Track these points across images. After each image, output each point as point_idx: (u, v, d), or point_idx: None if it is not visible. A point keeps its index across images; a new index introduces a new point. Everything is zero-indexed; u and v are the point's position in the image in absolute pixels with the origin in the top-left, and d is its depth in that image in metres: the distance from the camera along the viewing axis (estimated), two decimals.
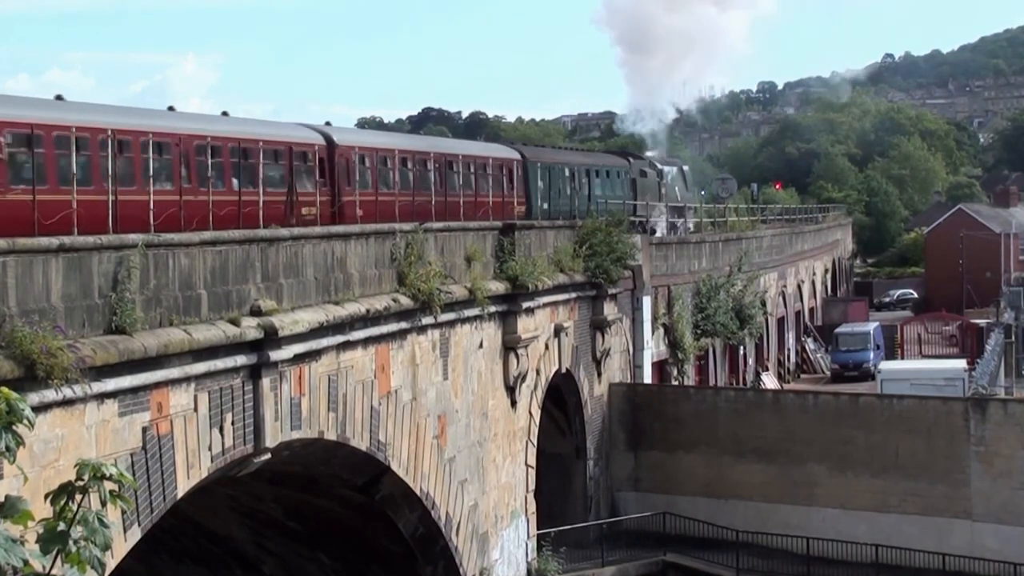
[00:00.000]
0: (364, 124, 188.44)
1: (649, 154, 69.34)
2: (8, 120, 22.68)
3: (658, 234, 54.26)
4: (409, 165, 37.32)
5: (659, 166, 62.38)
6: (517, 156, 45.84)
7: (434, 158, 39.21)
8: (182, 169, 27.12)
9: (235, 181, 28.97)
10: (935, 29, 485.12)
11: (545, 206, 45.66)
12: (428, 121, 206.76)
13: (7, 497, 5.74)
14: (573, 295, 37.74)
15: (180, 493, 19.35)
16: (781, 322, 70.16)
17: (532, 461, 34.76)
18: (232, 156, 29.17)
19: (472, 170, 41.36)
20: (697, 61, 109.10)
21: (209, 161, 27.89)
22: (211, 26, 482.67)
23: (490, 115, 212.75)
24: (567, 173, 49.57)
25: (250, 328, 20.78)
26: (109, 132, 24.61)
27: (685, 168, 69.53)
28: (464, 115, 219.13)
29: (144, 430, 18.50)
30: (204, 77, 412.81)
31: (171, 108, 30.66)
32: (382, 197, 35.09)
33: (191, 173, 27.53)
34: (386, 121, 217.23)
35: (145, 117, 28.05)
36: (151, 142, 25.62)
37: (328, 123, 36.73)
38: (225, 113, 32.61)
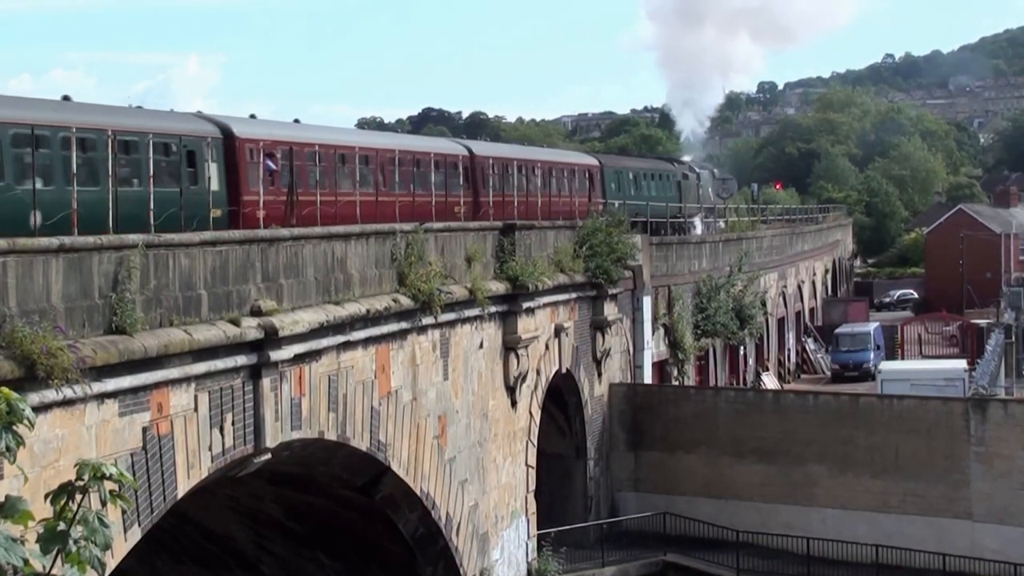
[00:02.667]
0: (364, 124, 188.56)
1: (686, 158, 75.00)
2: (281, 140, 31.63)
3: (698, 231, 60.77)
4: (523, 171, 44.94)
5: (696, 170, 67.64)
6: (596, 163, 54.00)
7: (540, 165, 47.41)
8: (379, 176, 35.33)
9: (412, 185, 36.93)
10: (935, 29, 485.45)
11: (616, 205, 50.54)
12: (428, 121, 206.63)
13: (7, 497, 5.74)
14: (573, 295, 37.73)
15: (180, 493, 19.34)
16: (781, 322, 70.16)
17: (532, 461, 34.76)
18: (414, 166, 37.18)
19: (565, 175, 49.41)
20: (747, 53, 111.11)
21: (396, 170, 35.97)
22: (213, 26, 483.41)
23: (490, 115, 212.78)
24: (631, 176, 56.64)
25: (250, 328, 20.77)
26: (332, 149, 33.46)
27: (715, 172, 74.54)
28: (464, 115, 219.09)
29: (144, 430, 18.49)
30: (206, 77, 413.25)
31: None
32: (507, 198, 42.38)
33: (385, 179, 35.61)
34: (386, 121, 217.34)
35: (351, 135, 38.26)
36: (357, 155, 34.46)
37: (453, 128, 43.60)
38: (394, 131, 40.73)
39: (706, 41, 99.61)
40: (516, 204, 42.05)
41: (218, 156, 28.80)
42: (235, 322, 20.62)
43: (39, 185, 23.19)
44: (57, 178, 23.81)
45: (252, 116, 34.50)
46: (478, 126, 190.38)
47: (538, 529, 35.20)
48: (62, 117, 24.67)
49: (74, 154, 22.61)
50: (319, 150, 32.43)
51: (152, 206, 23.22)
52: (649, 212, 51.62)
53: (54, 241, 17.59)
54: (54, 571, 5.55)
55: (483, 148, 45.02)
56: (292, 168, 31.27)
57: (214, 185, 28.37)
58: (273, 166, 30.76)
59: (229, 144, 29.41)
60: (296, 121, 36.16)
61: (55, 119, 24.38)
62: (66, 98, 27.57)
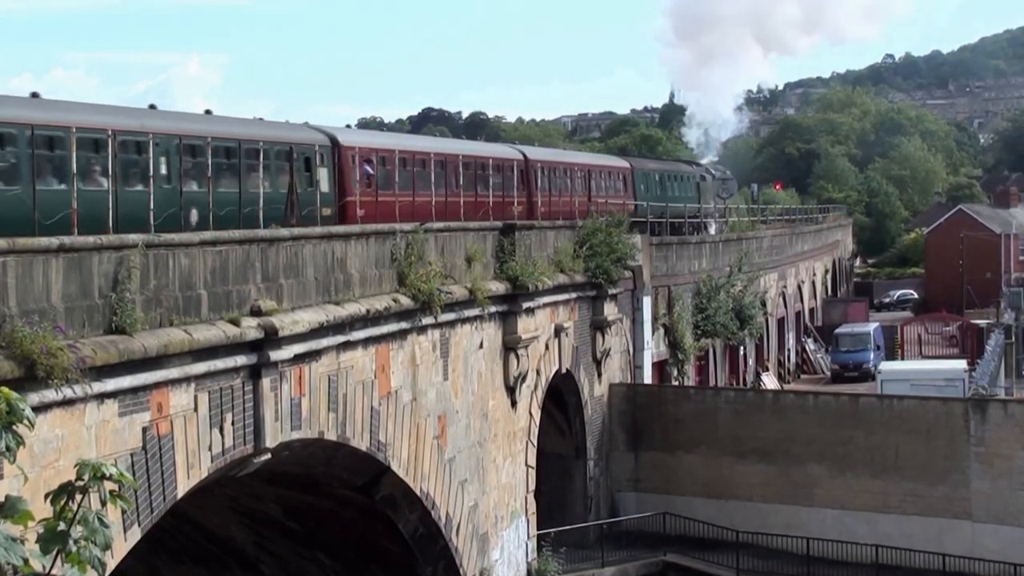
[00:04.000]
0: (365, 124, 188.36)
1: (703, 162, 79.27)
2: (375, 147, 36.53)
3: (712, 231, 64.69)
4: (567, 174, 50.22)
5: (713, 172, 72.17)
6: (628, 166, 58.45)
7: (581, 168, 52.43)
8: (453, 179, 39.90)
9: (477, 187, 41.52)
10: (935, 29, 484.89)
11: (644, 205, 54.90)
12: (428, 121, 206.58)
13: (7, 497, 5.74)
14: (573, 295, 37.73)
15: (180, 493, 19.34)
16: (781, 322, 70.16)
17: (532, 461, 34.77)
18: (479, 169, 41.85)
19: (603, 177, 54.34)
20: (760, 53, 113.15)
21: (463, 173, 40.59)
22: (213, 26, 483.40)
23: (490, 115, 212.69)
24: (657, 178, 60.80)
25: (250, 328, 20.77)
26: (413, 154, 38.21)
27: (727, 172, 77.93)
28: (464, 115, 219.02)
29: (144, 430, 18.49)
30: (207, 77, 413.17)
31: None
32: (555, 198, 47.36)
33: (456, 181, 40.06)
34: (386, 121, 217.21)
35: (429, 142, 45.05)
36: (432, 160, 39.07)
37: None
38: (396, 131, 45.81)
39: (739, 32, 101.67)
40: (563, 203, 47.04)
41: (327, 161, 33.04)
42: (235, 322, 20.62)
43: (194, 187, 27.25)
44: (212, 181, 27.95)
45: (348, 126, 39.60)
46: (478, 126, 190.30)
47: (538, 529, 35.20)
48: (208, 128, 28.88)
49: (182, 158, 27.07)
50: (404, 156, 37.38)
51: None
52: (665, 211, 56.63)
53: (54, 241, 17.59)
54: (54, 571, 5.56)
55: (535, 153, 50.39)
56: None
57: (324, 187, 32.79)
58: (370, 170, 34.82)
59: (336, 151, 33.54)
60: (381, 130, 45.66)
61: (203, 130, 28.52)
62: (208, 112, 31.77)
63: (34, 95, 25.40)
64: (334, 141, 33.74)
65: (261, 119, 35.79)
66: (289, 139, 32.03)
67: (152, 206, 24.76)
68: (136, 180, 25.59)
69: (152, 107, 29.10)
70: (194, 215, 26.70)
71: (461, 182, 40.22)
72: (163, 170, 26.38)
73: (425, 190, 37.72)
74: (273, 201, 29.75)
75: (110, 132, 24.77)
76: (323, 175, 32.80)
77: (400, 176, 36.46)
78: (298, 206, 31.05)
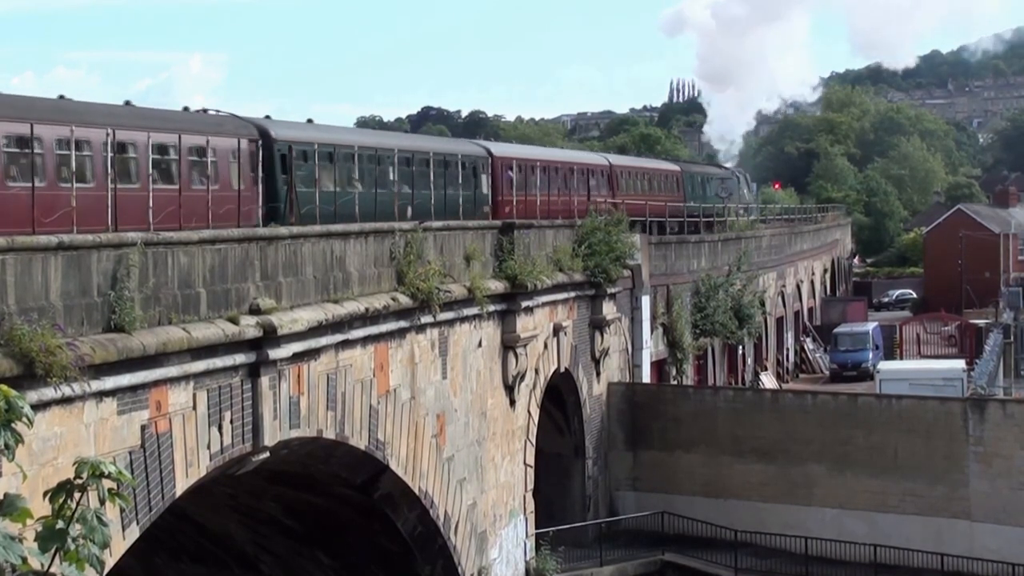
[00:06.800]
0: (364, 123, 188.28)
1: (728, 164, 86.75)
2: (515, 157, 44.62)
3: None
4: (638, 177, 58.60)
5: (738, 174, 79.21)
6: (678, 168, 67.08)
7: (647, 172, 61.06)
8: (566, 182, 48.36)
9: (579, 188, 49.51)
10: (935, 29, 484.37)
11: (692, 203, 62.92)
12: (427, 120, 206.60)
13: (6, 495, 5.73)
14: (572, 294, 37.71)
15: (179, 491, 19.33)
16: (780, 322, 70.13)
17: (531, 460, 34.75)
18: (581, 174, 50.37)
19: (664, 179, 62.42)
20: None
21: (573, 178, 49.24)
22: (214, 25, 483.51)
23: (490, 114, 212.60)
24: (699, 180, 68.59)
25: (249, 327, 20.75)
26: (539, 162, 47.17)
27: (747, 175, 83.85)
28: (464, 115, 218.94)
29: (143, 428, 18.48)
30: (208, 76, 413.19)
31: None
32: (631, 198, 53.19)
33: (566, 183, 48.23)
34: (386, 120, 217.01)
35: (553, 152, 57.79)
36: (541, 167, 46.37)
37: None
38: (395, 130, 55.47)
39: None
40: (638, 202, 52.92)
41: (487, 169, 41.80)
42: (234, 320, 20.60)
43: (406, 189, 35.57)
44: (415, 184, 36.12)
45: (486, 139, 49.18)
46: (477, 125, 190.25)
47: (536, 528, 35.18)
48: (412, 144, 38.57)
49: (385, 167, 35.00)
50: (534, 164, 45.78)
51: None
52: (699, 211, 63.34)
53: (53, 239, 17.57)
54: (52, 569, 5.55)
55: (617, 159, 60.18)
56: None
57: (484, 190, 41.56)
58: (513, 176, 42.54)
59: (491, 161, 42.31)
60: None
61: (410, 146, 38.15)
62: (416, 130, 42.07)
63: (309, 121, 35.10)
64: (489, 152, 42.87)
65: (442, 136, 49.23)
66: (461, 151, 41.54)
67: (377, 204, 32.72)
68: (370, 184, 33.51)
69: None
70: (408, 212, 33.78)
71: (574, 184, 48.80)
72: (390, 176, 34.84)
73: (545, 191, 45.52)
74: (451, 200, 38.33)
75: (357, 149, 33.50)
76: (484, 180, 41.41)
77: (531, 181, 44.29)
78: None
